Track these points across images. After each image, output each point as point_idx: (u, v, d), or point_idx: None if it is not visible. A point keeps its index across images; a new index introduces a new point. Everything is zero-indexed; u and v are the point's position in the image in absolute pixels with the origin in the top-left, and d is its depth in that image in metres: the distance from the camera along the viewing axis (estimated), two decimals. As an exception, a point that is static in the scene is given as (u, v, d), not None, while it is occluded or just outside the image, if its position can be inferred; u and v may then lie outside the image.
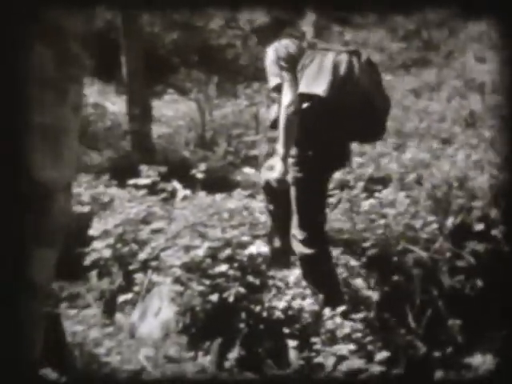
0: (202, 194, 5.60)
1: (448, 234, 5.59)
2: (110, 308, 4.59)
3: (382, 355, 4.08)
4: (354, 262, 5.03)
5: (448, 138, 8.30)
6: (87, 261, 4.86)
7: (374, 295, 4.83)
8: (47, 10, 1.40)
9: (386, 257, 5.30)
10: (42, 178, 1.43)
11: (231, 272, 4.25)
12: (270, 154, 7.21)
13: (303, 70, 4.31)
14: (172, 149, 8.71)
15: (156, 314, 4.34)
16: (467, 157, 6.70)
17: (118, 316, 4.48)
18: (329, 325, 4.20)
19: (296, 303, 4.31)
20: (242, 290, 4.17)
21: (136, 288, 4.57)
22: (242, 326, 4.09)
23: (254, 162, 7.97)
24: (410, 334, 4.87)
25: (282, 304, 4.27)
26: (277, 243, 4.80)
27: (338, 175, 6.16)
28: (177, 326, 4.14)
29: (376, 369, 3.94)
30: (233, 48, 12.81)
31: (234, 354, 3.83)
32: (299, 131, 4.27)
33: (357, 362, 3.93)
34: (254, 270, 4.41)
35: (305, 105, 4.30)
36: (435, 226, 5.56)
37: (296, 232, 4.45)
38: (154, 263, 4.59)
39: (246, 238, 4.56)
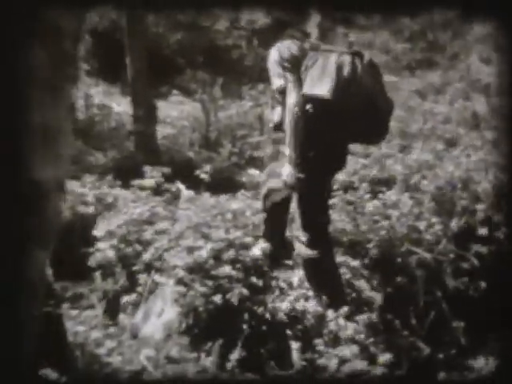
0: (205, 194, 5.60)
1: (452, 236, 5.59)
2: (113, 308, 4.59)
3: (385, 357, 4.08)
4: (357, 264, 5.03)
5: (452, 139, 8.29)
6: (91, 261, 4.86)
7: (378, 297, 4.82)
8: (47, 10, 1.40)
9: (389, 258, 5.29)
10: (38, 178, 1.43)
11: (234, 273, 4.25)
12: (275, 155, 7.22)
13: (306, 71, 4.31)
14: (177, 149, 8.71)
15: (159, 315, 4.34)
16: (471, 158, 6.69)
17: (121, 316, 4.48)
18: (332, 326, 4.20)
19: (299, 304, 4.32)
20: (245, 291, 4.17)
21: (139, 289, 4.57)
22: (244, 327, 4.09)
23: (259, 163, 7.97)
24: (414, 336, 4.86)
25: (285, 305, 4.27)
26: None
27: (342, 176, 6.16)
28: (180, 327, 4.14)
29: (379, 371, 3.94)
30: (238, 49, 12.81)
31: (235, 355, 3.83)
32: (302, 132, 4.27)
33: (359, 364, 3.93)
34: (257, 271, 4.41)
35: (308, 106, 4.30)
36: (439, 227, 5.56)
37: (299, 234, 4.45)
38: (157, 264, 4.59)
39: (249, 239, 4.56)
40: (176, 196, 5.78)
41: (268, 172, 4.86)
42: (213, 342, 3.91)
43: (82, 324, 3.76)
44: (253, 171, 7.53)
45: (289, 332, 4.17)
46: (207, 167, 6.15)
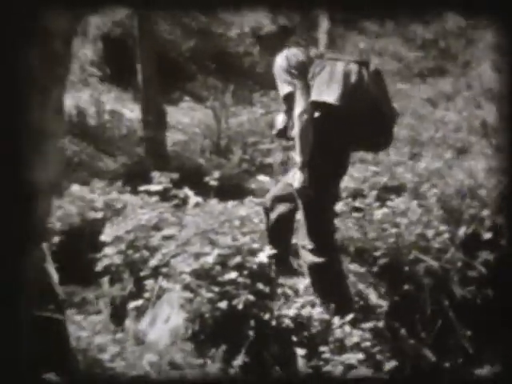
0: (213, 201, 5.60)
1: (460, 244, 5.58)
2: (119, 314, 4.60)
3: (391, 365, 4.07)
4: (364, 271, 5.03)
5: (463, 148, 8.28)
6: (99, 266, 4.87)
7: (384, 304, 4.82)
8: (47, 10, 1.40)
9: (397, 266, 5.28)
10: (32, 179, 1.45)
11: (241, 279, 4.25)
12: (285, 161, 7.23)
13: (314, 78, 4.32)
14: (187, 156, 8.72)
15: (166, 321, 4.35)
16: (481, 167, 6.68)
17: (127, 322, 4.49)
18: (338, 333, 4.19)
19: (305, 311, 4.31)
20: (251, 297, 4.17)
21: (146, 294, 4.58)
22: (250, 333, 4.09)
23: (269, 170, 7.98)
24: (420, 344, 4.85)
25: (291, 312, 4.27)
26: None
27: (352, 184, 6.16)
28: (186, 333, 4.15)
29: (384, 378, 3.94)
30: (250, 56, 12.82)
31: (238, 362, 3.83)
32: (312, 139, 4.28)
33: (365, 371, 3.93)
34: (263, 278, 4.41)
35: (316, 113, 4.31)
36: (447, 235, 5.55)
37: (305, 241, 4.44)
38: (164, 270, 4.60)
39: (256, 246, 4.56)
40: (184, 202, 5.78)
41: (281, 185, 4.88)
42: (218, 348, 3.92)
43: (86, 329, 3.77)
44: (262, 177, 7.52)
45: (294, 339, 4.17)
46: (217, 174, 6.16)
